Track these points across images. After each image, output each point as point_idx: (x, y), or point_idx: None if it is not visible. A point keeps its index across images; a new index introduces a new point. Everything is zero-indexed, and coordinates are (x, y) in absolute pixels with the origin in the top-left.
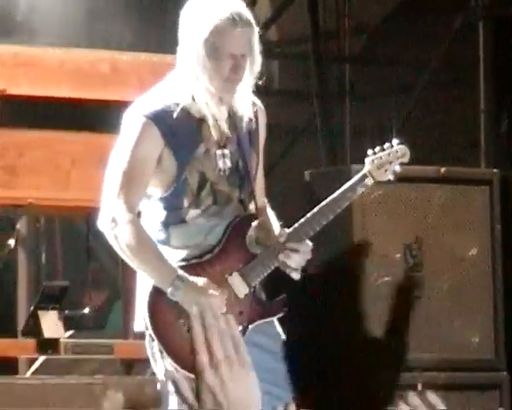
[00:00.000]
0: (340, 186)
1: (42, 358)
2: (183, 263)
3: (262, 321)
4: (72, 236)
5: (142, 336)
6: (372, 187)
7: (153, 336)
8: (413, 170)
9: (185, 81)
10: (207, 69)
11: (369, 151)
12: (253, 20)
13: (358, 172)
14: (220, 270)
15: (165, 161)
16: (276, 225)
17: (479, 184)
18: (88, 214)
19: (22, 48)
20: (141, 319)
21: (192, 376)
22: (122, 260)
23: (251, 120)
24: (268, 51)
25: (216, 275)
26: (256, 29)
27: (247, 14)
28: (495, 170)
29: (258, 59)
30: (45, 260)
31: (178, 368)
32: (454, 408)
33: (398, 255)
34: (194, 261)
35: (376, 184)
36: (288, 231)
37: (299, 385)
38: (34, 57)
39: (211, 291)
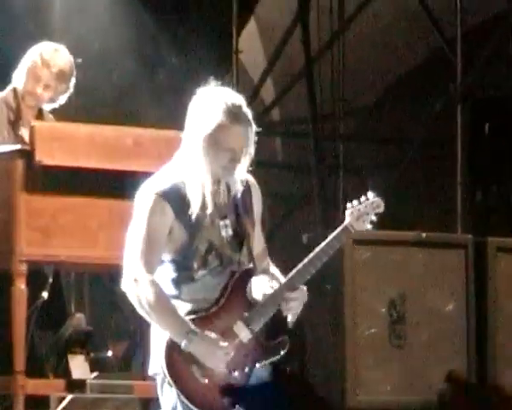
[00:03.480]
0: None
1: (70, 396)
2: (193, 316)
3: (266, 361)
4: (99, 289)
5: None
6: (362, 250)
7: (171, 382)
8: (398, 235)
9: (189, 163)
10: (208, 158)
11: (348, 204)
12: (250, 117)
13: (350, 236)
14: (226, 320)
15: (176, 231)
16: (281, 279)
17: (455, 247)
18: (113, 270)
19: (57, 124)
20: (154, 365)
21: None
22: None
23: (245, 193)
24: (272, 129)
25: (222, 324)
26: (253, 125)
27: (247, 111)
28: (469, 236)
29: (252, 149)
30: (74, 309)
31: (194, 409)
32: None
33: (384, 310)
34: (202, 314)
35: (366, 247)
36: (283, 281)
37: None
38: (67, 132)
39: (220, 342)
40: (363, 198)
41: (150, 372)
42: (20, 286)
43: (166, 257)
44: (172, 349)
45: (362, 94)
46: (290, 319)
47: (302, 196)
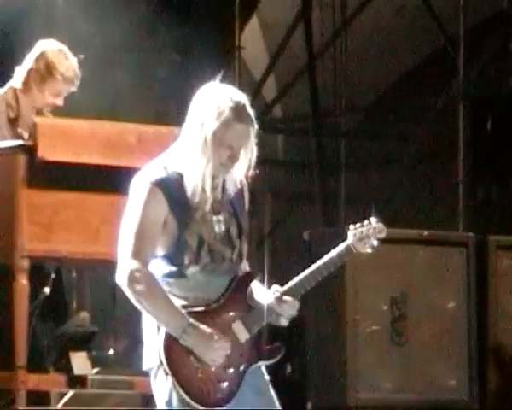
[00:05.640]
0: (335, 245)
1: (71, 392)
2: (191, 309)
3: (259, 363)
4: (100, 285)
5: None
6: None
7: (167, 371)
8: (399, 233)
9: (186, 155)
10: (207, 153)
11: (351, 226)
12: (253, 117)
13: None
14: (225, 318)
15: (168, 223)
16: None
17: (456, 245)
18: (114, 267)
19: (59, 120)
20: (149, 359)
21: (200, 408)
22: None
23: (239, 192)
24: (273, 126)
25: (221, 322)
26: (255, 125)
27: (250, 110)
28: (471, 234)
29: (254, 149)
30: (75, 307)
31: (188, 400)
32: None
33: (385, 307)
34: (201, 309)
35: None
36: (282, 289)
37: None
38: (69, 128)
39: (217, 337)
40: (366, 222)
41: (144, 367)
42: (22, 281)
43: (159, 252)
44: (171, 339)
45: (364, 91)
46: (282, 323)
47: (303, 193)
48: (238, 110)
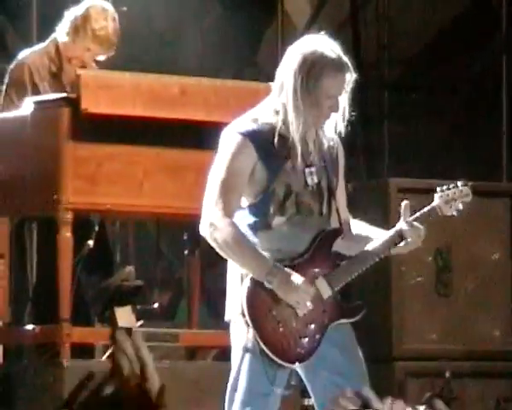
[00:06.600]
0: (378, 197)
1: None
2: (276, 263)
3: (341, 321)
4: (144, 238)
5: (223, 325)
6: (408, 198)
7: (249, 322)
8: (443, 183)
9: (280, 108)
10: (307, 104)
11: (438, 188)
12: (349, 64)
13: (395, 185)
14: (308, 273)
15: (258, 173)
16: (370, 230)
17: (501, 196)
18: (158, 219)
19: (103, 72)
20: (232, 310)
21: (280, 361)
22: (187, 261)
23: (333, 147)
24: None
25: (305, 277)
26: (353, 72)
27: (347, 59)
28: None
29: (347, 98)
30: (119, 259)
31: (269, 354)
32: (477, 393)
33: (430, 258)
34: (286, 263)
35: (410, 196)
36: (374, 247)
37: None
38: (112, 80)
39: (301, 281)
40: (452, 184)
41: (227, 318)
42: (66, 234)
43: (245, 202)
44: (254, 292)
45: (408, 42)
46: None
47: (347, 146)
48: (337, 59)
